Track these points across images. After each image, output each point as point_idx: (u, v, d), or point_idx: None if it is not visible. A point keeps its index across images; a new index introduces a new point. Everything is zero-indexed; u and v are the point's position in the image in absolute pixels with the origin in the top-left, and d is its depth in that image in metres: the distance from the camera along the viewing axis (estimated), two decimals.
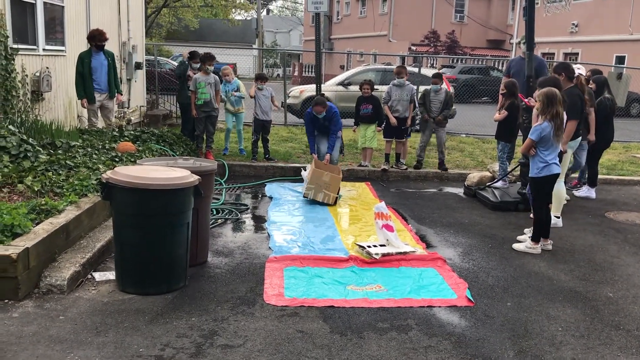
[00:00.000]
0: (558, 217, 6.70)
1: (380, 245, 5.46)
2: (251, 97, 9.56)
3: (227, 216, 6.59)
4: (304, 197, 7.27)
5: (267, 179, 8.71)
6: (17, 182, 5.55)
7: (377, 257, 5.21)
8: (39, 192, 5.40)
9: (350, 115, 14.40)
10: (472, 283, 4.83)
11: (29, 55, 8.09)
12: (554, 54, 29.11)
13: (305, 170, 7.72)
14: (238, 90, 9.64)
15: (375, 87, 10.63)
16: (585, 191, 8.42)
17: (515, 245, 5.84)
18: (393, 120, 9.08)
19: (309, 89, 14.54)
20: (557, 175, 5.69)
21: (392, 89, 9.24)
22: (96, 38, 8.45)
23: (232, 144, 10.21)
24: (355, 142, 10.72)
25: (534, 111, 6.27)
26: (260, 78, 9.58)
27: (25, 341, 3.49)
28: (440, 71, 19.68)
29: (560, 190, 6.54)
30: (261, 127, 9.43)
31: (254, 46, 39.63)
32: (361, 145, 9.50)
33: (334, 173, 7.41)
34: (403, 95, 9.16)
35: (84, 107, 8.59)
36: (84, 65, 8.31)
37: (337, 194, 7.27)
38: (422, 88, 10.35)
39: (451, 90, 14.78)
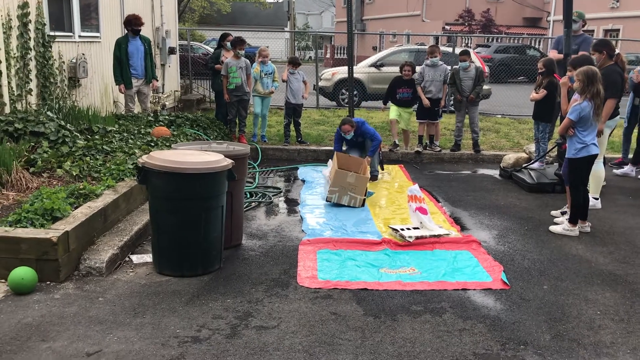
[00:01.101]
0: (597, 199, 6.55)
1: (414, 228, 5.43)
2: (283, 81, 9.53)
3: (260, 199, 6.64)
4: (326, 201, 6.42)
5: (300, 162, 8.72)
6: (56, 167, 5.69)
7: (410, 239, 5.18)
8: (77, 176, 5.52)
9: (383, 97, 14.28)
10: (508, 266, 4.77)
11: (65, 42, 8.23)
12: (593, 30, 28.23)
13: (327, 166, 7.00)
14: (273, 74, 9.52)
15: None
16: (626, 169, 8.23)
17: (552, 228, 5.74)
18: (426, 102, 8.95)
19: (341, 71, 14.46)
20: (595, 156, 5.55)
21: (425, 70, 9.09)
22: (132, 23, 8.54)
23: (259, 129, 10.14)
24: (387, 124, 10.64)
25: (562, 91, 6.13)
26: (293, 63, 9.54)
27: (67, 322, 3.60)
28: (475, 50, 19.31)
29: (598, 171, 6.38)
30: (292, 111, 9.41)
31: (285, 29, 39.52)
32: (394, 116, 9.11)
33: (360, 171, 6.70)
34: (436, 75, 9.00)
35: (122, 93, 8.72)
36: (120, 50, 8.43)
37: (365, 195, 6.47)
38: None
39: (486, 70, 14.57)
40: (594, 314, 3.95)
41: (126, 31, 8.64)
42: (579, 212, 5.64)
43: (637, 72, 8.49)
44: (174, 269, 4.36)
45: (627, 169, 8.29)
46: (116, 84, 8.62)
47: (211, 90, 11.41)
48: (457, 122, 9.33)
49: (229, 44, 9.36)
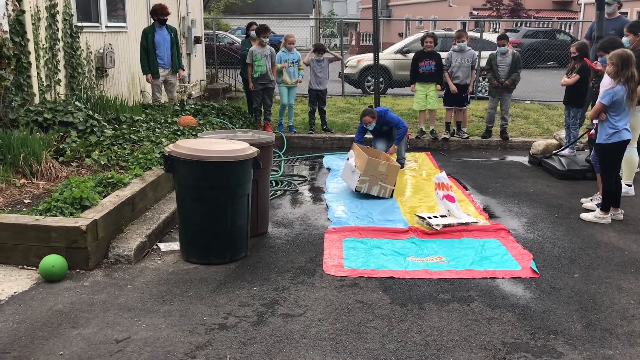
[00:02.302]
0: (630, 185, 6.39)
1: (441, 216, 5.36)
2: (305, 64, 9.41)
3: (286, 188, 6.63)
4: (355, 191, 6.20)
5: (325, 150, 8.69)
6: (84, 157, 5.76)
7: (437, 228, 5.12)
8: (105, 165, 5.58)
9: (409, 84, 14.15)
10: (537, 254, 4.69)
11: (92, 32, 8.31)
12: (626, 13, 27.46)
13: (349, 159, 6.53)
14: (298, 62, 9.45)
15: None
16: None
17: (583, 215, 5.62)
18: (453, 88, 8.81)
19: (367, 58, 14.35)
20: (627, 142, 5.40)
21: (452, 55, 8.94)
22: (158, 12, 8.59)
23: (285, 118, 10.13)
24: (413, 111, 10.52)
25: (601, 78, 5.96)
26: (318, 49, 9.47)
27: (96, 309, 3.65)
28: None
29: (632, 157, 6.22)
30: (316, 97, 9.36)
31: (310, 16, 39.34)
32: (420, 108, 8.98)
33: (390, 161, 6.51)
34: (464, 61, 8.85)
35: (149, 82, 8.78)
36: (147, 40, 8.48)
37: (394, 185, 6.30)
38: (484, 54, 9.91)
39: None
40: (627, 303, 3.86)
41: (152, 21, 8.68)
42: (610, 199, 5.51)
43: None
44: (200, 257, 4.39)
45: None
46: (143, 74, 8.68)
47: (240, 80, 11.38)
48: (489, 108, 9.18)
49: (253, 32, 9.33)
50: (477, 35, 14.07)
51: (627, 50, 5.27)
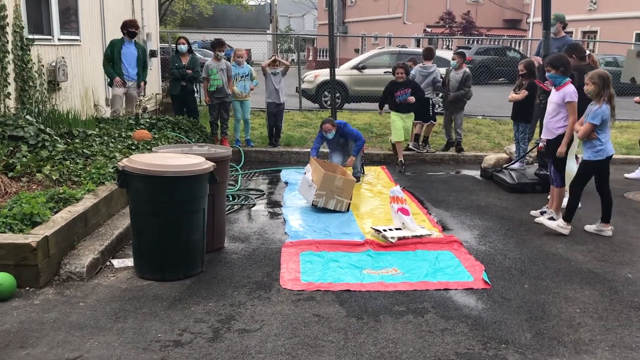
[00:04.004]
0: None
1: (396, 229, 5.45)
2: (262, 68, 9.32)
3: (243, 202, 6.62)
4: (312, 205, 6.27)
5: (283, 164, 8.71)
6: (35, 172, 5.62)
7: (393, 240, 5.20)
8: (57, 181, 5.46)
9: (365, 99, 14.29)
10: (489, 265, 4.81)
11: (44, 45, 8.14)
12: (571, 32, 28.57)
13: (306, 173, 6.61)
14: (249, 75, 9.45)
15: (390, 70, 10.38)
16: (637, 173, 8.32)
17: (547, 222, 5.77)
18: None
19: (324, 74, 14.48)
20: (612, 157, 5.62)
21: (417, 71, 9.25)
22: (128, 25, 8.71)
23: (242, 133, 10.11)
24: (369, 125, 10.69)
25: (548, 94, 6.18)
26: (274, 61, 9.43)
27: (46, 327, 3.56)
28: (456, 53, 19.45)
29: (573, 168, 6.45)
30: (274, 114, 9.33)
31: (267, 31, 39.46)
32: (399, 139, 8.56)
33: (346, 175, 6.61)
34: (428, 79, 9.16)
35: (118, 86, 8.66)
36: (113, 50, 8.54)
37: (351, 199, 6.38)
38: (442, 70, 10.13)
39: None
40: (574, 312, 4.00)
41: (122, 34, 8.71)
42: (574, 211, 5.67)
43: None
44: (155, 273, 4.34)
45: (638, 173, 8.35)
46: (111, 79, 8.64)
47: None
48: (444, 123, 9.50)
49: (181, 46, 9.20)
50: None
51: (605, 71, 5.53)
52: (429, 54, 9.46)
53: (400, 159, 8.69)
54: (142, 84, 8.96)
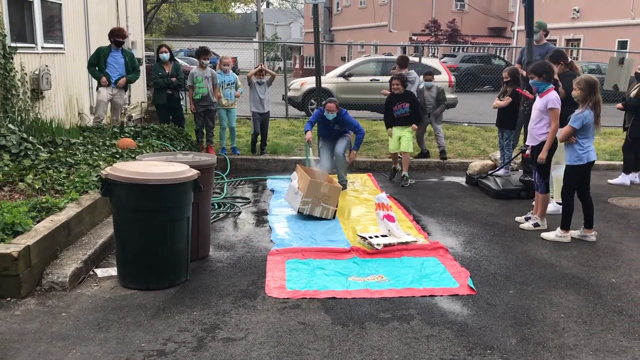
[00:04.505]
0: (560, 204, 6.66)
1: (382, 236, 5.45)
2: (248, 77, 9.31)
3: (228, 210, 6.59)
4: (298, 212, 6.24)
5: (269, 172, 8.69)
6: (17, 181, 5.56)
7: (378, 247, 5.20)
8: (39, 190, 5.40)
9: (351, 107, 14.31)
10: (474, 271, 4.83)
11: (27, 53, 8.09)
12: (555, 40, 28.92)
13: (292, 180, 6.64)
14: (235, 83, 9.44)
15: (377, 77, 10.46)
16: (620, 179, 8.40)
17: (544, 235, 5.79)
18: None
19: (310, 82, 14.49)
20: (594, 162, 5.65)
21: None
22: (115, 34, 8.69)
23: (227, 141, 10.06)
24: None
25: (532, 102, 6.22)
26: (259, 71, 9.41)
27: (28, 338, 3.51)
28: (442, 60, 19.60)
29: (561, 175, 6.50)
30: (260, 123, 9.31)
31: (254, 39, 39.51)
32: (392, 150, 8.35)
33: (333, 183, 6.60)
34: (413, 87, 9.25)
35: (104, 85, 8.60)
36: (99, 57, 8.53)
37: (337, 206, 6.35)
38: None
39: (452, 79, 14.87)
40: (558, 317, 4.02)
41: (110, 42, 8.70)
42: (569, 218, 5.70)
43: None
44: (139, 282, 4.30)
45: (621, 178, 8.44)
46: (98, 80, 8.61)
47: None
48: (418, 134, 9.35)
49: (163, 55, 9.15)
50: (417, 60, 14.48)
51: (593, 77, 5.55)
52: (404, 62, 9.52)
53: (394, 165, 8.60)
54: (123, 79, 8.71)
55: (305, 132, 7.66)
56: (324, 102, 7.61)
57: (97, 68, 8.58)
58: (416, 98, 8.58)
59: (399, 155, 8.37)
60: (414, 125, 8.31)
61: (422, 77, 9.71)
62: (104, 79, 8.55)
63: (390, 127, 8.29)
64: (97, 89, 8.74)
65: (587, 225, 5.75)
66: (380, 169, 9.13)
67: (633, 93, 8.22)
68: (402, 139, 8.15)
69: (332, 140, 7.65)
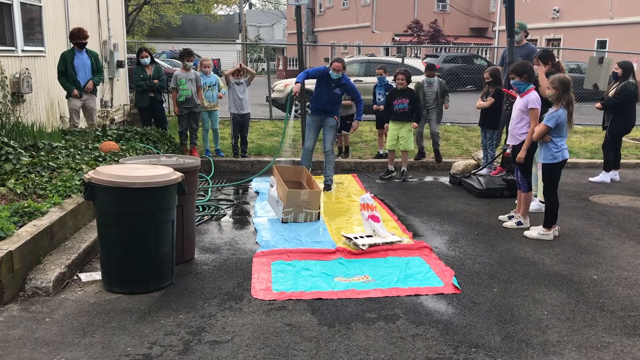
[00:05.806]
0: (543, 202, 6.74)
1: (367, 236, 5.47)
2: (225, 76, 9.24)
3: (213, 212, 6.57)
4: (282, 222, 6.14)
5: (254, 174, 8.68)
6: None
7: (364, 248, 5.22)
8: (21, 194, 5.35)
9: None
10: (459, 270, 4.86)
11: (7, 56, 8.00)
12: (536, 40, 29.23)
13: (272, 186, 6.61)
14: (217, 85, 9.37)
15: (360, 78, 10.41)
16: (601, 177, 8.50)
17: (527, 233, 5.84)
18: (378, 107, 9.15)
19: (294, 83, 14.49)
20: (566, 160, 5.71)
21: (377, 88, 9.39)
22: (76, 36, 8.40)
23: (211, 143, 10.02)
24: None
25: (516, 100, 6.29)
26: (238, 72, 9.23)
27: (11, 345, 3.47)
28: (424, 60, 19.68)
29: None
30: (239, 124, 9.22)
31: (237, 41, 39.42)
32: (390, 147, 8.44)
33: (304, 180, 6.64)
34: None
35: (76, 98, 8.43)
36: (66, 63, 8.28)
37: (320, 207, 6.37)
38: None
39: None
40: (542, 314, 4.07)
41: (72, 45, 8.47)
42: (554, 216, 5.77)
43: None
44: (124, 286, 4.27)
45: (602, 176, 8.54)
46: (68, 92, 8.40)
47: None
48: (416, 133, 9.40)
49: (144, 60, 9.08)
50: (399, 60, 14.55)
51: (567, 76, 5.61)
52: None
53: (389, 166, 8.61)
54: (90, 83, 8.50)
55: (296, 83, 7.22)
56: (330, 62, 7.35)
57: (66, 75, 8.29)
58: (417, 95, 8.58)
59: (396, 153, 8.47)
60: (414, 124, 8.40)
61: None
62: (75, 92, 8.33)
63: (387, 123, 8.44)
64: (66, 96, 8.52)
65: (546, 224, 5.79)
66: (364, 170, 9.16)
67: (611, 93, 8.34)
68: (401, 138, 8.27)
69: (321, 116, 7.45)
